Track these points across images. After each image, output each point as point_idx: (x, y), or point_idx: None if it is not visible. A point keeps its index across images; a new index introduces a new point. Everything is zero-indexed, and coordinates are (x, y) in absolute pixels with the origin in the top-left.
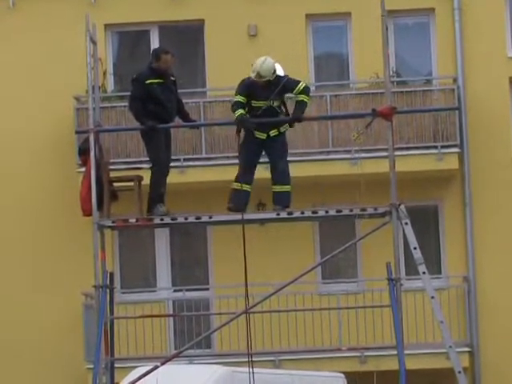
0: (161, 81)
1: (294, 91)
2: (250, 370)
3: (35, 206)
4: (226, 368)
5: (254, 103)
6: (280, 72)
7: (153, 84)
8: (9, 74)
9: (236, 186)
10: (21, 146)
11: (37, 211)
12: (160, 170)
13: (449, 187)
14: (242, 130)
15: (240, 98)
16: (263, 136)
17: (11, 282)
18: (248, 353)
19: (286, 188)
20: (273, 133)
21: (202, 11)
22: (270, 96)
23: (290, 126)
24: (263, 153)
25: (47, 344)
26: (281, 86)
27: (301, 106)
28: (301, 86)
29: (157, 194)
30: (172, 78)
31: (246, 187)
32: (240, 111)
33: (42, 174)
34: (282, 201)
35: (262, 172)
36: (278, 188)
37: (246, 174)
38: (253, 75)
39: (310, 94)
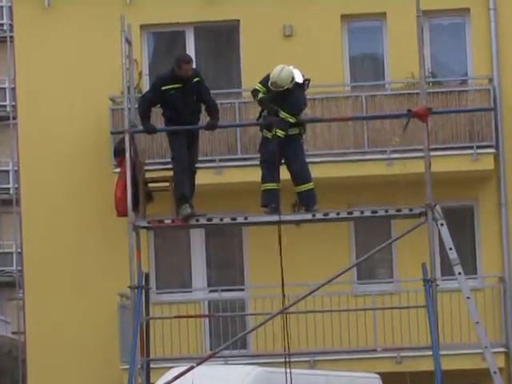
0: (179, 85)
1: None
2: (287, 370)
3: (71, 206)
4: (261, 368)
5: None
6: (299, 78)
7: (169, 90)
8: (45, 75)
9: (264, 187)
10: (57, 147)
11: (73, 212)
12: (180, 170)
13: (484, 188)
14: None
15: (258, 86)
16: (282, 134)
17: (47, 283)
18: (286, 353)
19: (309, 186)
20: (291, 131)
21: (238, 12)
22: (292, 99)
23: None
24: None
25: (83, 344)
26: (299, 90)
27: (284, 123)
28: (300, 107)
29: (180, 194)
30: (195, 80)
31: (273, 185)
32: (260, 95)
33: (78, 175)
34: (308, 199)
35: None
36: (300, 188)
37: (270, 172)
38: (271, 86)
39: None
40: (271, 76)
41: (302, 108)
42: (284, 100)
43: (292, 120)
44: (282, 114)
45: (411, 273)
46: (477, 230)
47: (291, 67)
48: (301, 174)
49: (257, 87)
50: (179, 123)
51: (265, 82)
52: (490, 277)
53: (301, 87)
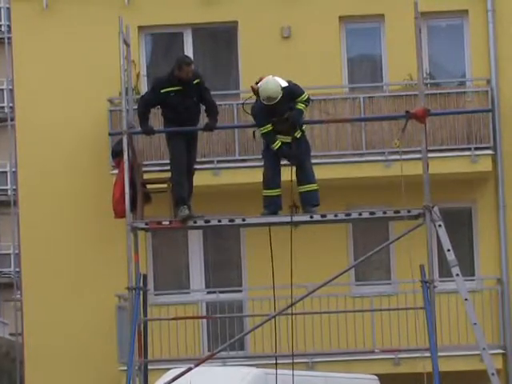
0: (179, 88)
1: (298, 99)
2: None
3: (69, 207)
4: (259, 370)
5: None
6: (283, 83)
7: (169, 92)
8: (43, 76)
9: (267, 193)
10: (55, 148)
11: (70, 213)
12: (178, 172)
13: (482, 189)
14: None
15: (267, 129)
16: (288, 139)
17: (45, 284)
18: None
19: (314, 186)
20: (297, 134)
21: (236, 13)
22: (285, 107)
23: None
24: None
25: (81, 346)
26: (289, 93)
27: (299, 112)
28: (304, 96)
29: (178, 195)
30: (195, 81)
31: (277, 191)
32: (277, 144)
33: (76, 176)
34: (312, 199)
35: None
36: (306, 187)
37: (274, 178)
38: (265, 101)
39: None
40: (261, 94)
41: (303, 92)
42: (282, 107)
43: (305, 108)
44: (299, 105)
45: (409, 274)
46: (475, 232)
47: (272, 78)
48: (310, 174)
49: (268, 130)
50: (179, 124)
51: (262, 118)
52: (488, 278)
53: (287, 90)
